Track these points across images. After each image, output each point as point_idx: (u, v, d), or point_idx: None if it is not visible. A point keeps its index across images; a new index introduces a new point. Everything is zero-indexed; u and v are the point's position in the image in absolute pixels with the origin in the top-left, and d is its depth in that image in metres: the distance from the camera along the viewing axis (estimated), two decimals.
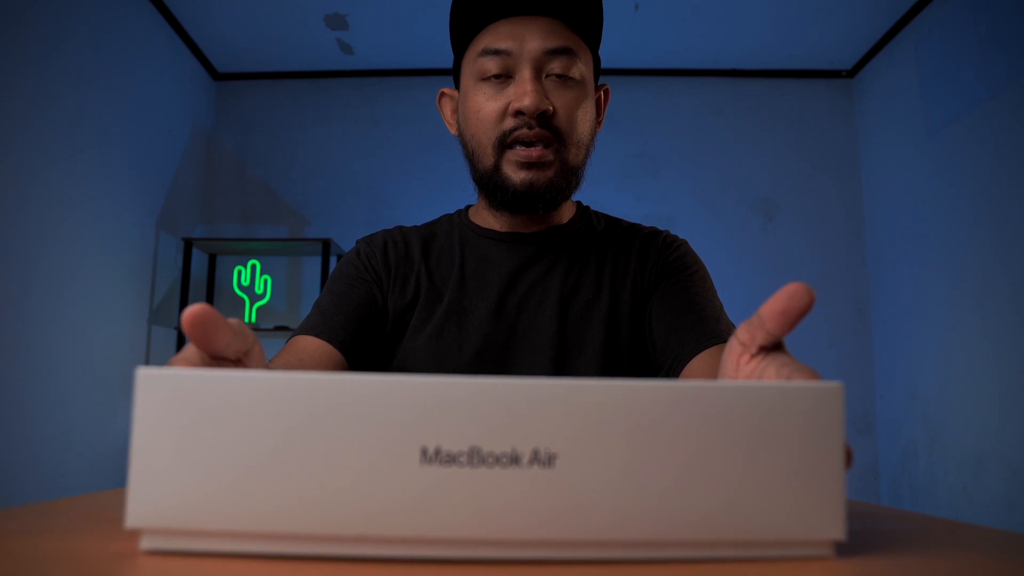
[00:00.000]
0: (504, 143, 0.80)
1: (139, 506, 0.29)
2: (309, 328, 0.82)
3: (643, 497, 0.30)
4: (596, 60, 0.88)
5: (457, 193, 0.95)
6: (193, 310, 0.36)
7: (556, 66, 0.80)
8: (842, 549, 0.33)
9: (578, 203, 0.95)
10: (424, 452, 0.29)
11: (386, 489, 0.29)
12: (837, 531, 0.30)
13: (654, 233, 0.92)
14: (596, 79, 0.88)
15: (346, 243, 2.97)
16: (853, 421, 2.95)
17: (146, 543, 0.30)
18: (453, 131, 0.89)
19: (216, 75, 3.23)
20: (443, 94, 0.92)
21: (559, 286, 0.85)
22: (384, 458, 0.29)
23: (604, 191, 2.97)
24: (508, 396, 0.30)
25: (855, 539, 0.37)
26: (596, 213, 0.95)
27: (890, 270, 2.91)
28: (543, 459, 0.30)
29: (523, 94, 0.78)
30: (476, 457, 0.29)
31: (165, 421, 0.30)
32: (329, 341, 0.80)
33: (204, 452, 0.29)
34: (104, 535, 0.34)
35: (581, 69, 0.82)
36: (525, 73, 0.79)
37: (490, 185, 0.82)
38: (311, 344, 0.80)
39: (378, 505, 0.29)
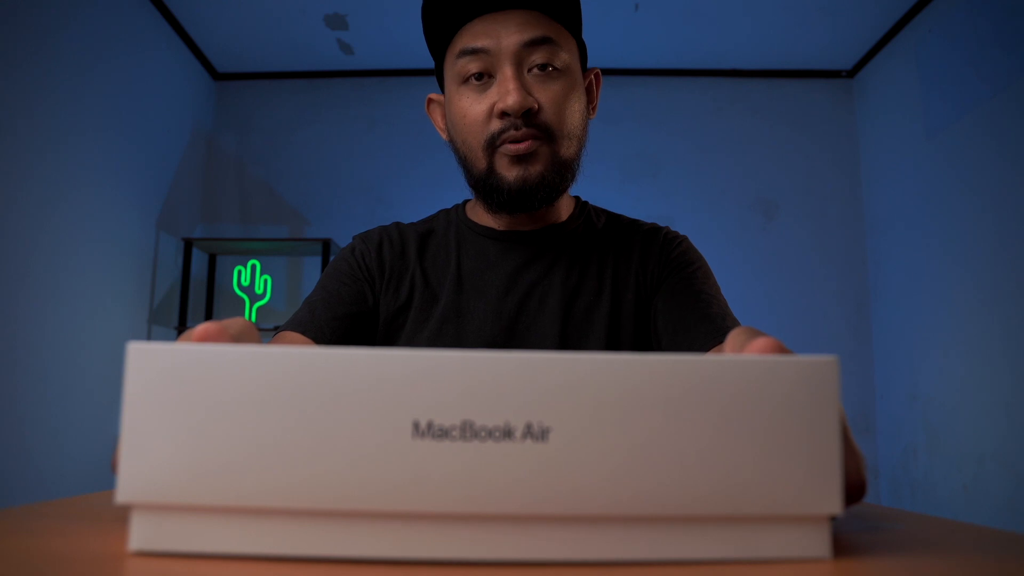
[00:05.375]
0: (494, 145, 0.78)
1: (130, 480, 0.29)
2: (296, 324, 0.81)
3: (637, 472, 0.29)
4: (581, 46, 0.85)
5: (456, 193, 0.95)
6: (207, 329, 0.35)
7: (537, 58, 0.77)
8: (842, 549, 0.33)
9: (576, 199, 0.93)
10: (416, 426, 0.29)
11: (377, 463, 0.29)
12: (833, 506, 0.30)
13: (654, 230, 0.90)
14: (584, 65, 0.86)
15: (346, 243, 2.97)
16: (853, 421, 2.94)
17: (135, 535, 0.30)
18: (445, 137, 0.87)
19: (216, 75, 3.23)
20: (431, 100, 0.90)
21: (560, 286, 0.84)
22: (376, 432, 0.29)
23: (604, 191, 2.95)
24: (501, 370, 0.30)
25: (855, 539, 0.37)
26: (596, 209, 0.94)
27: (890, 270, 2.91)
28: (536, 433, 0.29)
29: (506, 93, 0.75)
30: (469, 431, 0.29)
31: (156, 395, 0.29)
32: (315, 340, 0.79)
33: (195, 426, 0.29)
34: (102, 535, 0.34)
35: (564, 58, 0.79)
36: (506, 71, 0.76)
37: (486, 188, 0.80)
38: (297, 341, 0.79)
39: (369, 479, 0.29)
